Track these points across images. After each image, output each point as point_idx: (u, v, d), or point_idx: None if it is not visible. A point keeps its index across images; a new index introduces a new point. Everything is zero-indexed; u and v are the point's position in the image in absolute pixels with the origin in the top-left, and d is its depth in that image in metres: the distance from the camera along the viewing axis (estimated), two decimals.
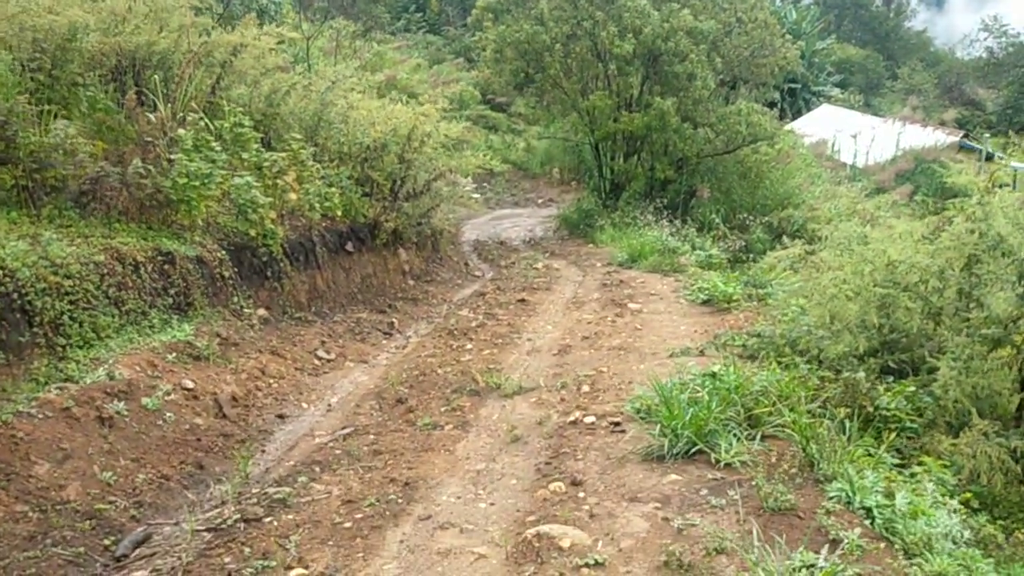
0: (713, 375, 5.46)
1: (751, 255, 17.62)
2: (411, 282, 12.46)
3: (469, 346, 8.55)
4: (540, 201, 24.62)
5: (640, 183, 20.04)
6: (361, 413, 6.56)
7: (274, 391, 7.11)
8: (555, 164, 27.41)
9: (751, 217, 18.95)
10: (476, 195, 21.86)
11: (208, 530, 4.58)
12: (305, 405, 6.91)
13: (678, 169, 19.61)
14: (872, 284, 5.96)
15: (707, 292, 9.90)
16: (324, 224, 10.85)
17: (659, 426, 4.78)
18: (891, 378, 6.06)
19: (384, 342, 9.14)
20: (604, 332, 8.70)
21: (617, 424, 5.48)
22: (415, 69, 26.33)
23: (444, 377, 7.33)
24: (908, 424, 5.05)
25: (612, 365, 7.30)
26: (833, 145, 30.54)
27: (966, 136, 33.93)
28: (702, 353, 7.33)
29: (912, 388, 5.31)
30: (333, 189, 10.99)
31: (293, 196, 9.87)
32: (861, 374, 5.33)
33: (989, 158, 31.87)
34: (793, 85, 41.56)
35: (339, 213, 10.97)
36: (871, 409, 5.07)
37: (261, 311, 8.89)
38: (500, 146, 27.92)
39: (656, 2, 18.44)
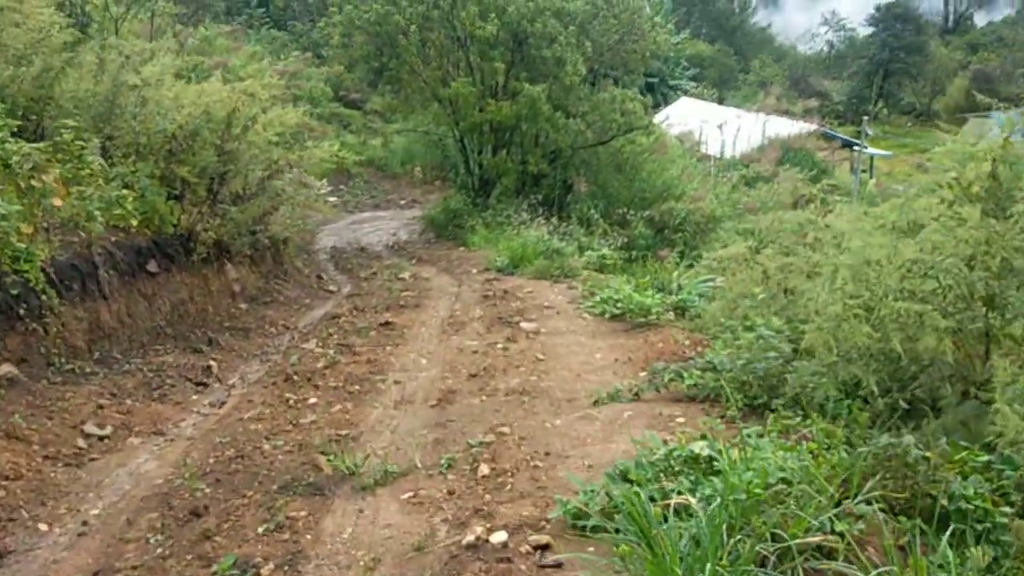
0: (696, 458, 3.47)
1: (634, 251, 16.20)
2: (243, 306, 9.88)
3: (313, 399, 6.17)
4: (403, 202, 22.43)
5: (511, 178, 18.29)
6: (131, 539, 4.09)
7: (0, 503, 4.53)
8: (417, 162, 25.25)
9: (630, 211, 17.62)
10: (332, 198, 19.34)
11: None
12: (45, 526, 4.35)
13: (551, 162, 18.10)
14: (889, 296, 4.17)
15: (618, 305, 7.93)
16: (114, 238, 8.17)
17: None
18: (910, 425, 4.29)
19: (195, 398, 6.61)
20: (497, 367, 6.57)
21: (545, 549, 3.36)
22: (252, 57, 23.33)
23: (272, 459, 4.94)
24: (997, 520, 3.24)
25: (516, 421, 5.18)
26: (700, 136, 29.97)
27: (820, 124, 34.50)
28: (637, 396, 5.33)
29: (985, 457, 3.51)
30: (127, 192, 8.33)
31: (58, 202, 7.15)
32: (909, 439, 3.48)
33: (847, 145, 32.46)
34: (651, 79, 41.17)
35: (135, 223, 8.29)
36: (944, 502, 3.23)
37: (6, 368, 6.20)
38: (356, 144, 25.39)
39: None
